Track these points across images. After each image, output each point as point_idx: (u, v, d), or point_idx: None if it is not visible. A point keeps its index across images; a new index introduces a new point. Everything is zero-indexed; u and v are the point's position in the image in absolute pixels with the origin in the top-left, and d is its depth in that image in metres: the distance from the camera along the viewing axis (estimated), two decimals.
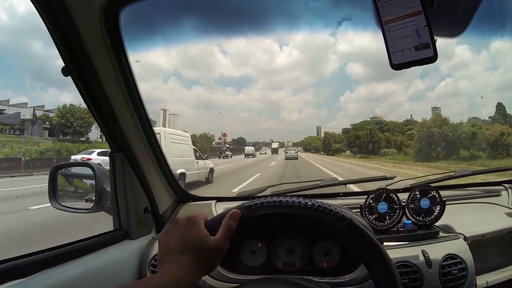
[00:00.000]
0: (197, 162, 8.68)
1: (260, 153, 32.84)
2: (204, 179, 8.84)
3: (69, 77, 0.83)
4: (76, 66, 0.82)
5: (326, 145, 43.69)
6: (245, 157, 24.96)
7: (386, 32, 0.72)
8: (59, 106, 33.54)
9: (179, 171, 7.22)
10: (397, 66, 0.71)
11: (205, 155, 9.74)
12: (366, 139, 37.94)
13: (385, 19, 0.73)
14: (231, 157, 22.86)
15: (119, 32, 0.85)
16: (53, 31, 0.75)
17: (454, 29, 0.88)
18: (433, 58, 0.69)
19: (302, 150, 47.78)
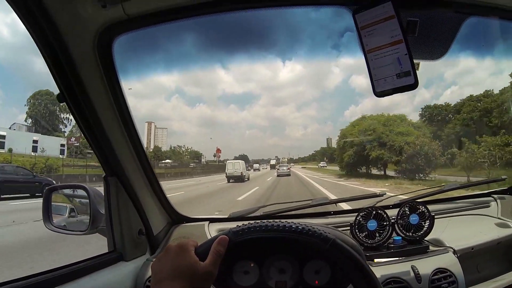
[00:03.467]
0: (246, 170, 22.01)
1: (263, 168, 46.87)
2: (247, 179, 20.68)
3: None
4: (70, 93, 0.84)
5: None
6: (253, 171, 38.62)
7: (369, 61, 0.75)
8: None
9: (244, 174, 20.77)
10: (379, 93, 0.74)
11: (248, 168, 25.08)
12: None
13: (368, 48, 0.75)
14: (250, 170, 34.84)
15: (112, 60, 0.87)
16: (48, 59, 0.77)
17: (435, 52, 0.91)
18: (413, 86, 0.71)
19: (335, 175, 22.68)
